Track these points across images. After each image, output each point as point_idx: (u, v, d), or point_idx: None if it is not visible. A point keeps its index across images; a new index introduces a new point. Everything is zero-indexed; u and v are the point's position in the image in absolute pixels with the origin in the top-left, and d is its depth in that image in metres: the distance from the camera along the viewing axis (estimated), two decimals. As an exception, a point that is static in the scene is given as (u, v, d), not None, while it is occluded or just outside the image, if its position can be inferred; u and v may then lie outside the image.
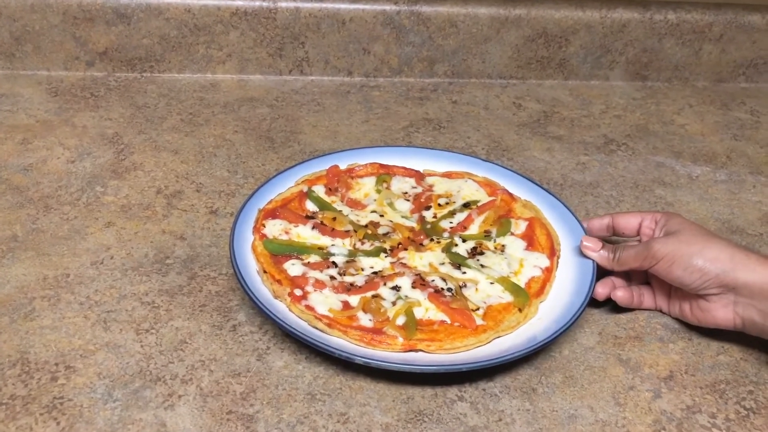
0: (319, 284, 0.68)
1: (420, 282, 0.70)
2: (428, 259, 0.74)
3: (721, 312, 0.65)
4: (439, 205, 0.81)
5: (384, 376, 0.64)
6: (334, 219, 0.77)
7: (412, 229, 0.77)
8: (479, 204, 0.81)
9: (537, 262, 0.73)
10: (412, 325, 0.65)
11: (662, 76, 1.20)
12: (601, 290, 0.71)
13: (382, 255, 0.74)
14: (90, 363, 0.64)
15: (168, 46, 1.10)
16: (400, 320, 0.65)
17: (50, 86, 1.07)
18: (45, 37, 1.07)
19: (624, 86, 1.19)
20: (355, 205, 0.81)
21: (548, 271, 0.72)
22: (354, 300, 0.67)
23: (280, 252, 0.72)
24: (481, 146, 1.01)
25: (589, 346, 0.69)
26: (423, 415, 0.61)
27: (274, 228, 0.75)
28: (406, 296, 0.68)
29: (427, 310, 0.67)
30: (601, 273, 0.72)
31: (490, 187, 0.83)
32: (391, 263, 0.73)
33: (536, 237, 0.76)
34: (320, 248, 0.74)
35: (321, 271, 0.70)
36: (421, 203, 0.81)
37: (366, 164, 0.86)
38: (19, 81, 1.08)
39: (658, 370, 0.67)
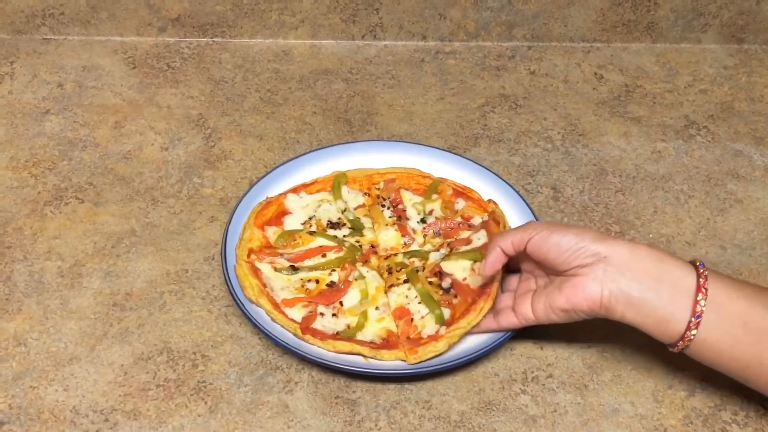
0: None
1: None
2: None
3: (591, 286, 0.90)
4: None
5: (459, 371, 1.00)
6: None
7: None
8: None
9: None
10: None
11: (760, 39, 1.44)
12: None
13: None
14: (221, 353, 1.01)
15: (240, 12, 1.40)
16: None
17: (126, 55, 1.39)
18: (119, 5, 1.38)
19: (717, 50, 1.44)
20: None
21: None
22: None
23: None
24: (557, 129, 1.30)
25: (639, 348, 1.03)
26: (492, 405, 0.97)
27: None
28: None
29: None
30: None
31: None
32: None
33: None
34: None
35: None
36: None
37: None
38: (96, 48, 1.40)
39: (696, 372, 1.01)
